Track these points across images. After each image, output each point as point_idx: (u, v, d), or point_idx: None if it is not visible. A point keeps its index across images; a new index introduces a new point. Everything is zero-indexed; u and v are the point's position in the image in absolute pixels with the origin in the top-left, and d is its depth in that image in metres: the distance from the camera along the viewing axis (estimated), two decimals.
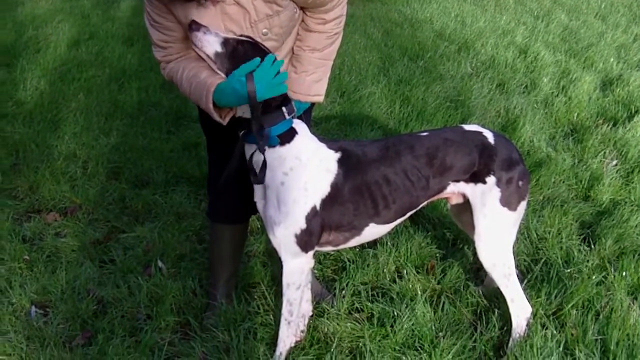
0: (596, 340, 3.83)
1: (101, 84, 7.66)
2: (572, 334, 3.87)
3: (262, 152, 3.19)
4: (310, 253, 3.50)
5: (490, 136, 3.68)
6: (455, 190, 3.67)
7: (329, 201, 3.39)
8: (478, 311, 4.15)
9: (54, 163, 5.76)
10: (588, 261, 4.59)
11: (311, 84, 3.54)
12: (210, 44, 3.14)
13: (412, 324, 3.90)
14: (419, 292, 4.16)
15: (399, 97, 7.35)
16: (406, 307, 3.98)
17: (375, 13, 11.41)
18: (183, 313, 4.09)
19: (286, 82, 3.19)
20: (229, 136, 3.53)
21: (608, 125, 6.87)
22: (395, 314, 3.96)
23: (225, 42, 3.14)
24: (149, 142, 6.19)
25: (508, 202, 3.60)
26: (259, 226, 4.86)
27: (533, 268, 4.45)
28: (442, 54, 9.10)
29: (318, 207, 3.37)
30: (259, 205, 3.49)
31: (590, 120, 7.10)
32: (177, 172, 5.66)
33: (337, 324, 3.94)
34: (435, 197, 3.74)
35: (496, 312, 4.00)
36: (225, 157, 3.70)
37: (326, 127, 6.44)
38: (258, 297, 4.19)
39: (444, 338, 3.82)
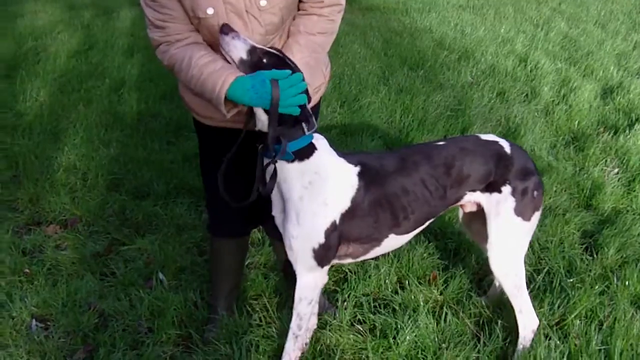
0: (600, 350, 3.81)
1: (101, 95, 7.66)
2: (575, 344, 3.85)
3: (274, 162, 3.17)
4: (326, 268, 3.47)
5: (506, 146, 3.69)
6: (471, 199, 3.68)
7: (349, 215, 3.36)
8: (481, 322, 4.13)
9: (54, 175, 5.75)
10: (590, 271, 4.58)
11: (304, 67, 3.38)
12: (237, 50, 3.11)
13: (415, 336, 3.88)
14: (422, 303, 4.15)
15: (399, 107, 7.34)
16: (409, 319, 3.96)
17: (375, 22, 11.42)
18: (185, 326, 4.07)
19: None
20: (222, 148, 3.51)
21: (609, 134, 6.86)
22: (398, 325, 3.94)
23: (252, 50, 3.11)
24: (149, 153, 6.18)
25: (522, 212, 3.61)
26: (259, 238, 4.84)
27: (536, 278, 4.43)
28: (442, 63, 9.09)
29: (338, 222, 3.34)
30: (278, 220, 3.45)
31: (591, 128, 7.09)
32: (177, 183, 5.65)
33: (340, 336, 3.92)
34: (452, 206, 3.76)
35: (499, 323, 3.98)
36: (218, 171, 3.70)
37: (327, 137, 6.41)
38: (260, 310, 4.17)
39: (447, 349, 3.80)
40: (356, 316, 4.10)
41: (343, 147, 6.28)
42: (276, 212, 3.45)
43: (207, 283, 4.38)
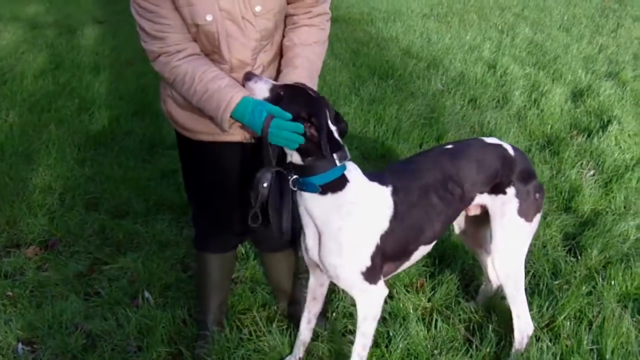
0: (591, 350, 3.84)
1: (71, 115, 7.57)
2: (567, 345, 3.87)
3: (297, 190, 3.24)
4: (381, 283, 3.43)
5: (509, 148, 3.77)
6: (479, 201, 3.72)
7: (388, 235, 3.35)
8: (471, 327, 4.14)
9: (30, 196, 5.68)
10: (575, 272, 4.61)
11: (307, 79, 3.40)
12: (261, 91, 3.16)
13: (407, 343, 3.88)
14: (411, 311, 4.14)
15: (372, 117, 7.35)
16: (400, 327, 3.96)
17: (341, 33, 11.43)
18: (174, 343, 4.03)
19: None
20: (212, 163, 3.57)
21: (583, 136, 6.92)
22: (390, 333, 3.94)
23: (273, 88, 3.16)
24: (125, 172, 6.13)
25: (526, 214, 3.67)
26: (244, 252, 4.81)
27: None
28: (411, 71, 9.11)
29: (380, 243, 3.32)
30: (313, 252, 3.38)
31: (564, 131, 7.14)
32: (156, 200, 5.61)
33: (332, 347, 3.91)
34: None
35: (490, 327, 3.99)
36: (209, 186, 3.67)
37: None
38: (249, 324, 4.14)
39: (439, 355, 3.81)
40: (347, 326, 4.08)
41: None
42: (310, 244, 3.38)
43: (194, 299, 4.35)
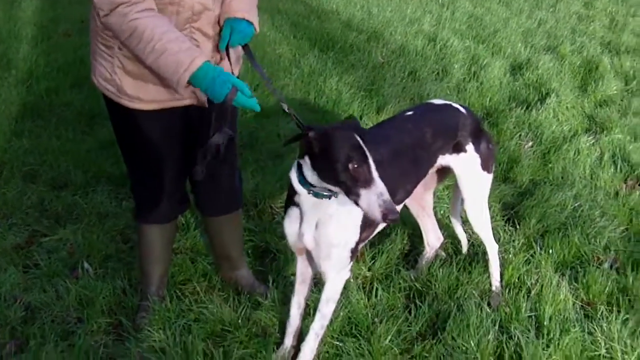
0: (529, 317, 3.93)
1: (8, 86, 7.41)
2: (506, 313, 3.95)
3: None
4: (352, 263, 3.52)
5: (460, 107, 3.91)
6: (443, 162, 3.84)
7: None
8: (412, 295, 4.19)
9: None
10: (514, 241, 4.68)
11: (251, 4, 3.51)
12: None
13: (348, 312, 3.91)
14: (352, 280, 4.16)
15: (312, 88, 7.34)
16: (340, 296, 3.96)
17: (282, 5, 11.33)
18: (115, 314, 4.01)
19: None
20: (157, 132, 3.54)
21: (521, 108, 6.99)
22: None
23: None
24: (64, 143, 6.03)
25: (487, 167, 3.92)
26: (184, 222, 4.78)
27: (462, 250, 4.51)
28: (351, 44, 9.08)
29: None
30: (308, 237, 3.37)
31: (503, 104, 7.23)
32: (95, 172, 5.52)
33: (274, 316, 3.92)
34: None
35: (430, 294, 4.05)
36: (153, 155, 3.63)
37: (243, 121, 6.36)
38: (190, 294, 4.13)
39: (380, 323, 3.84)
40: (287, 295, 4.08)
41: (260, 130, 6.25)
42: (307, 230, 3.37)
43: (134, 270, 4.31)
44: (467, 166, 3.87)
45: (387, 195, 2.87)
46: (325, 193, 3.12)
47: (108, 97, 3.49)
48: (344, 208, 3.23)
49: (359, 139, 2.96)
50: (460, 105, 3.94)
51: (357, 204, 2.92)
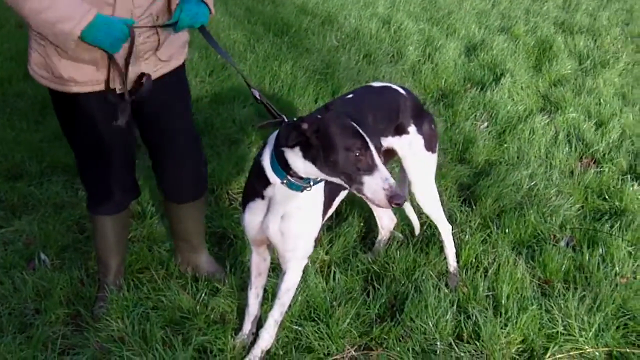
0: (487, 296, 3.95)
1: None
2: (463, 292, 3.96)
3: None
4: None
5: (399, 89, 3.86)
6: (387, 145, 3.78)
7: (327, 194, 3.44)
8: (369, 277, 4.19)
9: None
10: (471, 221, 4.70)
11: None
12: None
13: (306, 296, 3.91)
14: (309, 264, 4.14)
15: (267, 73, 7.29)
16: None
17: None
18: (73, 304, 3.96)
19: None
20: (97, 116, 3.47)
21: (476, 89, 7.02)
22: None
23: None
24: (18, 134, 5.94)
25: (430, 147, 3.88)
26: (140, 210, 4.73)
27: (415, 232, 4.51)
28: (306, 28, 9.04)
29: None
30: (273, 229, 3.33)
31: (458, 85, 7.26)
32: (50, 162, 5.44)
33: (232, 302, 3.90)
34: None
35: (388, 277, 4.05)
36: (97, 141, 3.57)
37: (198, 107, 6.32)
38: (148, 281, 4.09)
39: (338, 307, 3.84)
40: (245, 281, 4.05)
41: (215, 116, 6.21)
42: (273, 223, 3.32)
43: (91, 260, 4.27)
44: (411, 147, 3.83)
45: (392, 180, 2.85)
46: (299, 184, 3.08)
47: (45, 86, 3.44)
48: (310, 199, 3.23)
49: (356, 126, 2.92)
50: (400, 87, 3.90)
51: (360, 192, 2.89)
